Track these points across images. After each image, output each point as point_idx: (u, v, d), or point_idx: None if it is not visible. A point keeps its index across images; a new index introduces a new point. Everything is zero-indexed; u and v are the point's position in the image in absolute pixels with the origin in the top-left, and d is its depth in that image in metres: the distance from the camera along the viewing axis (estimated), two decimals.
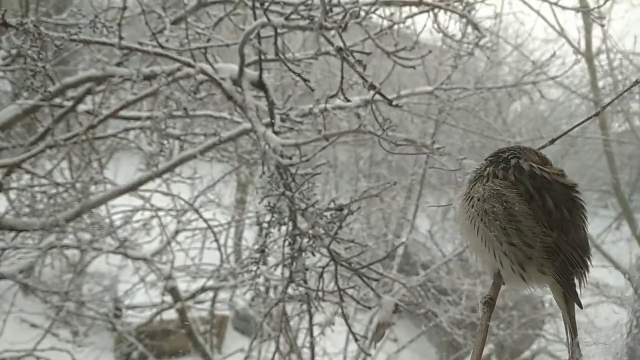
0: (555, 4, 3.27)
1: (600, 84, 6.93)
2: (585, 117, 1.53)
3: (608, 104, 1.46)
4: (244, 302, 6.02)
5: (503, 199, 1.08)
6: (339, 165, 7.60)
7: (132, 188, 3.51)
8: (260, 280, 4.60)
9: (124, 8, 1.95)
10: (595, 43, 6.67)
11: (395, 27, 3.00)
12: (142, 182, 3.54)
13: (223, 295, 5.48)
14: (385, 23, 3.01)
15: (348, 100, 2.15)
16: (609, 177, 7.07)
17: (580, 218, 1.13)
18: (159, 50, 2.30)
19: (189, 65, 2.45)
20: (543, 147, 1.56)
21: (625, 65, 7.00)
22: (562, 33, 6.31)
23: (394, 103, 1.99)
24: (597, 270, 7.36)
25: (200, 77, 2.65)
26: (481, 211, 1.11)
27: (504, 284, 1.16)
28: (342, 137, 3.78)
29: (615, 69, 6.87)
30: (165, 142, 2.75)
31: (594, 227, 7.47)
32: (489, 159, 1.20)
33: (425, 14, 3.07)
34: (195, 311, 5.37)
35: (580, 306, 1.08)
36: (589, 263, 1.12)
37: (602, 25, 4.78)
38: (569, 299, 1.08)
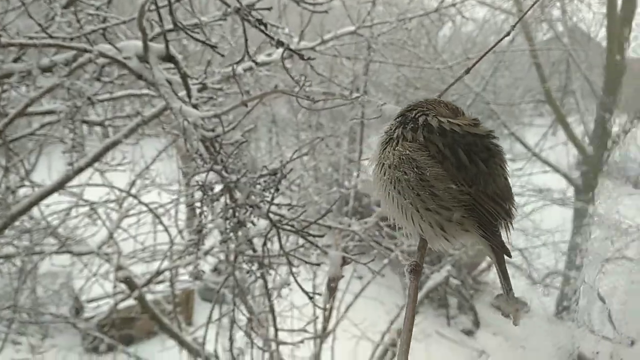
0: None
1: None
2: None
3: (515, 25, 1.42)
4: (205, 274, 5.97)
5: (414, 164, 1.01)
6: (279, 120, 7.49)
7: (60, 186, 3.32)
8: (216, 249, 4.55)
9: None
10: None
11: None
12: (69, 177, 3.35)
13: (183, 270, 5.40)
14: None
15: (256, 63, 2.04)
16: (540, 86, 7.27)
17: (499, 166, 1.07)
18: (49, 41, 2.10)
19: (85, 50, 2.26)
20: (459, 77, 1.52)
21: None
22: None
23: (306, 57, 1.91)
24: (539, 177, 7.71)
25: (102, 60, 2.47)
26: (393, 179, 1.04)
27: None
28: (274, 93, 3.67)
29: None
30: (76, 134, 2.58)
31: (532, 136, 7.76)
32: (397, 119, 1.12)
33: None
34: (158, 291, 5.28)
35: (509, 256, 1.04)
36: (512, 211, 1.08)
37: None
38: (497, 251, 1.03)
